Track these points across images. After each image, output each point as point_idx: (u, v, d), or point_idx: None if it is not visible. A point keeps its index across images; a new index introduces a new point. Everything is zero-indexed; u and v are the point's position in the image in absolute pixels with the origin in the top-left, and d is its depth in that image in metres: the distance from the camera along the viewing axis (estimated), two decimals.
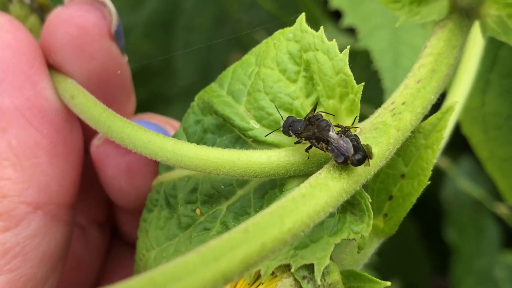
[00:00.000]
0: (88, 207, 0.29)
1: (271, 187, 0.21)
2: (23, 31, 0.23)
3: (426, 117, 0.21)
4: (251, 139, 0.21)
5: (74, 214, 0.25)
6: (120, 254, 0.31)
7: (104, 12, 0.24)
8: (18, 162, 0.22)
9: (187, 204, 0.23)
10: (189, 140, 0.23)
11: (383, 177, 0.21)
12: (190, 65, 0.60)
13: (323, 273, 0.19)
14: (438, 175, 0.65)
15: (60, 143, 0.24)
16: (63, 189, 0.24)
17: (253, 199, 0.21)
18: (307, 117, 0.20)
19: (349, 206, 0.19)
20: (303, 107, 0.21)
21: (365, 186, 0.20)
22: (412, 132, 0.20)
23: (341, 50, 0.20)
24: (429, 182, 0.20)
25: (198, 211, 0.22)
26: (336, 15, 0.52)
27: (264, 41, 0.23)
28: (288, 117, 0.20)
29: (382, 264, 0.51)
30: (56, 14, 0.24)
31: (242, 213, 0.21)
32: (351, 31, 0.51)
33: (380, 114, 0.20)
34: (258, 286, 0.19)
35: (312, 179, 0.18)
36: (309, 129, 0.19)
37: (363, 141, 0.19)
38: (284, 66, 0.21)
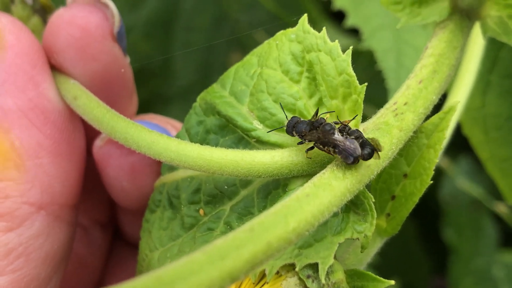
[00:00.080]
0: (90, 208, 0.30)
1: (275, 187, 0.21)
2: (26, 32, 0.23)
3: (428, 117, 0.21)
4: (254, 140, 0.21)
5: (76, 215, 0.26)
6: (122, 255, 0.31)
7: (107, 13, 0.24)
8: (21, 163, 0.22)
9: (191, 205, 0.23)
10: (192, 140, 0.23)
11: (386, 177, 0.21)
12: (189, 65, 0.60)
13: (327, 272, 0.19)
14: (436, 174, 0.66)
15: (63, 144, 0.24)
16: (66, 190, 0.24)
17: (257, 199, 0.21)
18: (310, 121, 0.20)
19: (353, 206, 0.19)
20: (306, 107, 0.21)
21: (367, 186, 0.20)
22: (414, 132, 0.20)
23: (342, 51, 0.20)
24: (431, 182, 0.20)
25: (201, 211, 0.23)
26: (336, 16, 0.53)
27: (266, 41, 0.23)
28: (292, 117, 0.20)
29: (381, 264, 0.51)
30: (59, 15, 0.24)
31: (245, 213, 0.21)
32: (351, 32, 0.51)
33: (383, 115, 0.20)
34: (263, 285, 0.19)
35: (316, 179, 0.18)
36: (313, 133, 0.19)
37: None
38: (287, 66, 0.21)
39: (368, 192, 0.19)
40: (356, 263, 0.21)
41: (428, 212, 0.69)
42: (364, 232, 0.19)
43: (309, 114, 0.21)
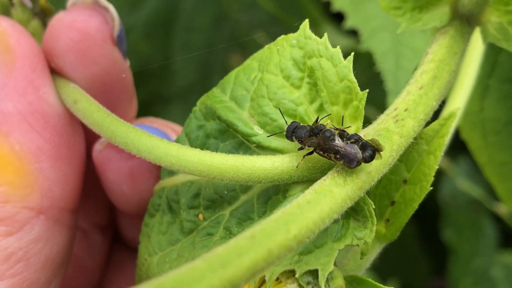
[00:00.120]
0: (90, 211, 0.30)
1: (275, 192, 0.21)
2: (26, 35, 0.23)
3: (428, 123, 0.21)
4: (255, 145, 0.21)
5: (76, 218, 0.26)
6: (121, 258, 0.31)
7: (107, 17, 0.24)
8: (20, 167, 0.22)
9: (190, 209, 0.23)
10: (192, 145, 0.23)
11: (386, 182, 0.21)
12: (189, 65, 0.60)
13: (327, 278, 0.19)
14: (436, 175, 0.66)
15: (62, 148, 0.24)
16: (65, 194, 0.24)
17: (257, 204, 0.21)
18: (310, 127, 0.20)
19: (353, 212, 0.19)
20: (307, 113, 0.21)
21: (367, 192, 0.20)
22: (415, 138, 0.20)
23: (342, 52, 0.20)
24: (431, 188, 0.20)
25: (201, 216, 0.22)
26: (336, 16, 0.53)
27: (267, 46, 0.23)
28: (292, 122, 0.20)
29: (381, 264, 0.51)
30: (59, 19, 0.23)
31: (245, 218, 0.21)
32: (350, 32, 0.51)
33: (383, 121, 0.20)
34: None
35: (317, 185, 0.18)
36: (313, 140, 0.19)
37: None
38: (288, 72, 0.21)
39: (368, 198, 0.19)
40: (355, 269, 0.21)
41: (428, 213, 0.69)
42: (364, 238, 0.19)
43: (310, 120, 0.21)
